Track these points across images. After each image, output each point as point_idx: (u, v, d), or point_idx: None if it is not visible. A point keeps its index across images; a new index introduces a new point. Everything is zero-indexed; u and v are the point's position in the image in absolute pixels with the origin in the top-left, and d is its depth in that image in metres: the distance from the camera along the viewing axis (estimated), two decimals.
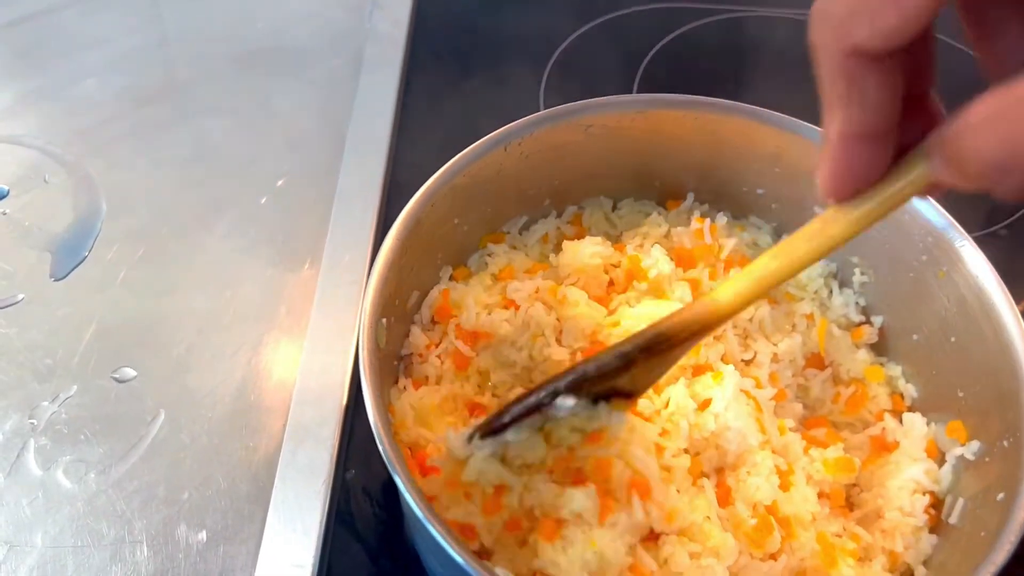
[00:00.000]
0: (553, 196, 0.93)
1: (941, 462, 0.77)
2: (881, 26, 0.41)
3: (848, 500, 0.78)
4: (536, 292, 0.82)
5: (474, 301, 0.82)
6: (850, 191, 0.48)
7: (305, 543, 0.83)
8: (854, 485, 0.78)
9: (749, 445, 0.72)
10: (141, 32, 1.35)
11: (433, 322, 0.85)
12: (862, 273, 0.88)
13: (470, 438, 0.67)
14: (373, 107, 1.20)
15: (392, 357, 0.81)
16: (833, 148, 0.46)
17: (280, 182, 1.14)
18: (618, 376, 0.64)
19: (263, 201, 1.13)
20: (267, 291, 1.03)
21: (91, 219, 1.09)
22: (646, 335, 0.62)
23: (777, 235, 0.93)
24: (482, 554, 0.69)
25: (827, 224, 0.52)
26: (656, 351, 0.62)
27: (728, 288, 0.59)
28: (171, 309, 1.01)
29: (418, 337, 0.83)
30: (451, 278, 0.88)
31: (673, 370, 0.68)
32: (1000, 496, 0.66)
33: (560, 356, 0.77)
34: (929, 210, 0.78)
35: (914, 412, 0.81)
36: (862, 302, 0.89)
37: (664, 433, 0.72)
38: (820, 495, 0.75)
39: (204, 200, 1.12)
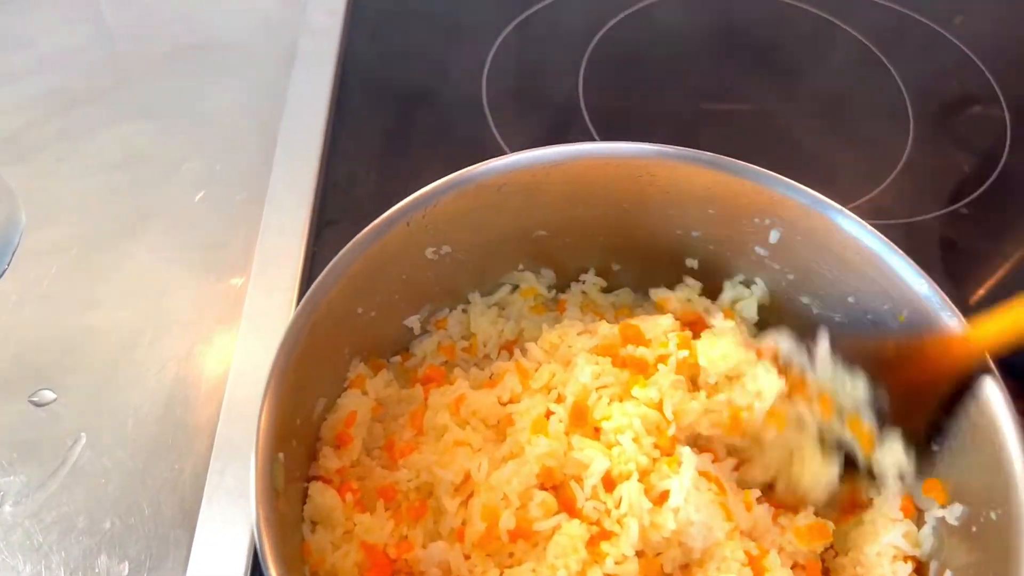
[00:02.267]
0: (473, 272, 0.85)
1: (920, 521, 0.72)
2: None
3: (824, 565, 0.74)
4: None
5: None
6: None
7: (234, 569, 0.79)
8: (829, 548, 0.75)
9: (716, 538, 0.67)
10: (70, 32, 1.28)
11: (336, 447, 0.75)
12: (816, 311, 0.82)
13: None
14: (306, 104, 1.16)
15: (298, 479, 0.71)
16: None
17: (209, 186, 1.10)
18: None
19: (192, 207, 1.08)
20: (195, 302, 0.99)
21: (9, 231, 1.04)
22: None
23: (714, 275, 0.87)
24: None
25: None
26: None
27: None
28: (94, 325, 0.97)
29: (329, 459, 0.73)
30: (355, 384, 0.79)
31: (625, 465, 0.66)
32: None
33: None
34: (886, 251, 0.73)
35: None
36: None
37: (608, 536, 0.66)
38: (794, 566, 0.71)
39: (130, 208, 1.07)
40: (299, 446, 0.68)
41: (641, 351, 0.76)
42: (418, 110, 1.16)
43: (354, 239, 0.70)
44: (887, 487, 0.73)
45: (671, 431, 0.70)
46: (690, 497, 0.65)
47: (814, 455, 0.71)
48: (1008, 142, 1.18)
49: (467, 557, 0.67)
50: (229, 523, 0.82)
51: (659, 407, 0.71)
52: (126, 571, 0.81)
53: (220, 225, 1.06)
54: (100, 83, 1.21)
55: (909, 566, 0.69)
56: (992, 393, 0.64)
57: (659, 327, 0.78)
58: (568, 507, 0.67)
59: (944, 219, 1.10)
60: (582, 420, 0.71)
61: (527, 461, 0.68)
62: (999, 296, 1.02)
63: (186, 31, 1.28)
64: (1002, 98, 1.24)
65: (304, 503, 0.70)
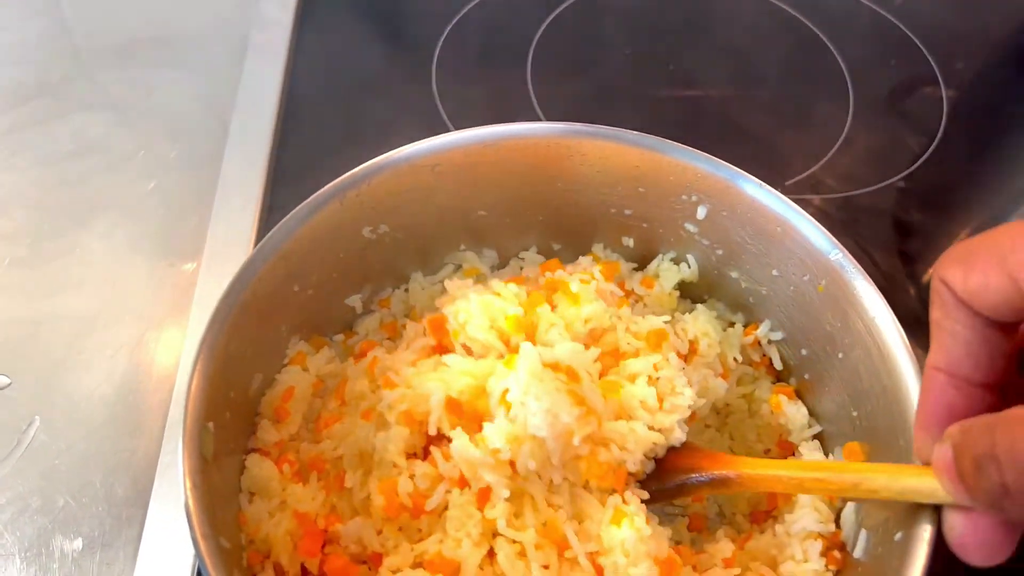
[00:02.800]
0: (414, 252, 0.87)
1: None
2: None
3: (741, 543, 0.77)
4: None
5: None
6: (934, 426, 0.54)
7: (185, 545, 0.81)
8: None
9: (564, 424, 0.66)
10: (23, 25, 1.29)
11: (275, 420, 0.76)
12: (744, 285, 0.84)
13: None
14: (258, 94, 1.17)
15: (236, 451, 0.73)
16: (924, 377, 0.54)
17: (161, 176, 1.11)
18: None
19: (144, 195, 1.10)
20: (148, 288, 1.01)
21: None
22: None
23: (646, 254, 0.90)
24: None
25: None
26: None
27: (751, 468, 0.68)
28: (47, 312, 0.99)
29: (268, 432, 0.74)
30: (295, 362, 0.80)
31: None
32: (898, 536, 0.63)
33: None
34: (801, 221, 0.75)
35: (812, 441, 0.80)
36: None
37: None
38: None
39: (83, 198, 1.09)
40: (234, 418, 0.69)
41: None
42: (369, 99, 1.18)
43: (285, 217, 0.72)
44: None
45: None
46: (529, 388, 0.66)
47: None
48: (944, 119, 1.22)
49: (379, 532, 0.69)
50: (180, 499, 0.83)
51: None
52: (80, 547, 0.83)
53: (172, 214, 1.08)
54: (53, 76, 1.23)
55: (819, 543, 0.72)
56: (903, 359, 0.67)
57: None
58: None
59: (883, 193, 1.13)
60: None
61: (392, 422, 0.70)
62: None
63: (141, 24, 1.30)
64: (940, 77, 1.27)
65: (242, 475, 0.72)
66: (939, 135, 1.20)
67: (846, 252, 0.72)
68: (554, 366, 0.68)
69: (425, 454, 0.71)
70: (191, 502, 0.58)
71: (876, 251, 1.09)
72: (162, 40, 1.27)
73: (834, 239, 0.72)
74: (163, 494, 0.85)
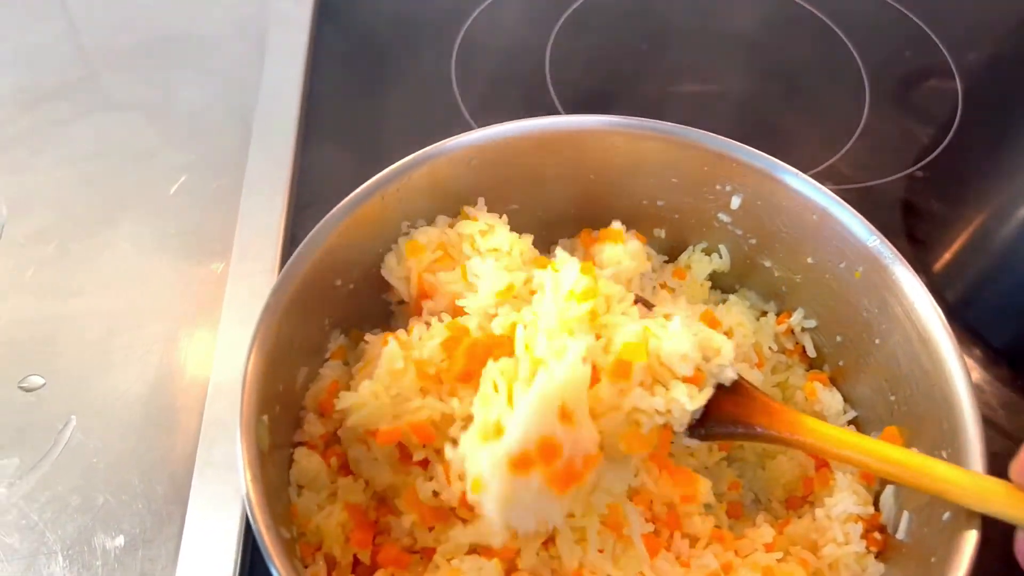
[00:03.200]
0: None
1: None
2: None
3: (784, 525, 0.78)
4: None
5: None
6: None
7: (226, 542, 0.82)
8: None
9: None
10: (39, 28, 1.29)
11: (320, 414, 0.77)
12: (777, 274, 0.86)
13: None
14: (279, 93, 1.18)
15: (284, 445, 0.74)
16: None
17: (186, 175, 1.12)
18: None
19: (169, 195, 1.10)
20: (177, 287, 1.01)
21: None
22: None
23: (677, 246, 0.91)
24: None
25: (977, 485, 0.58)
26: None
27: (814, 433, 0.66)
28: (79, 311, 0.99)
29: (314, 425, 0.75)
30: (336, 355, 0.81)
31: None
32: (946, 516, 0.64)
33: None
34: (837, 208, 0.76)
35: (848, 426, 0.81)
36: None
37: None
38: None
39: (109, 197, 1.09)
40: (283, 412, 0.70)
41: None
42: (389, 94, 1.19)
43: (329, 213, 0.73)
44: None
45: None
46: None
47: None
48: (959, 109, 1.23)
49: (430, 528, 0.70)
50: (220, 496, 0.84)
51: None
52: (121, 544, 0.83)
53: (198, 213, 1.08)
54: (69, 78, 1.23)
55: (859, 526, 0.73)
56: (943, 342, 0.68)
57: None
58: None
59: (900, 183, 1.14)
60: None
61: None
62: (960, 258, 1.08)
63: (153, 24, 1.30)
64: (954, 68, 1.29)
65: (290, 468, 0.72)
66: (955, 126, 1.21)
67: (883, 238, 0.73)
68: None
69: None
70: (252, 494, 0.58)
71: (894, 240, 1.10)
72: (180, 40, 1.27)
73: (871, 226, 0.73)
74: (202, 491, 0.85)
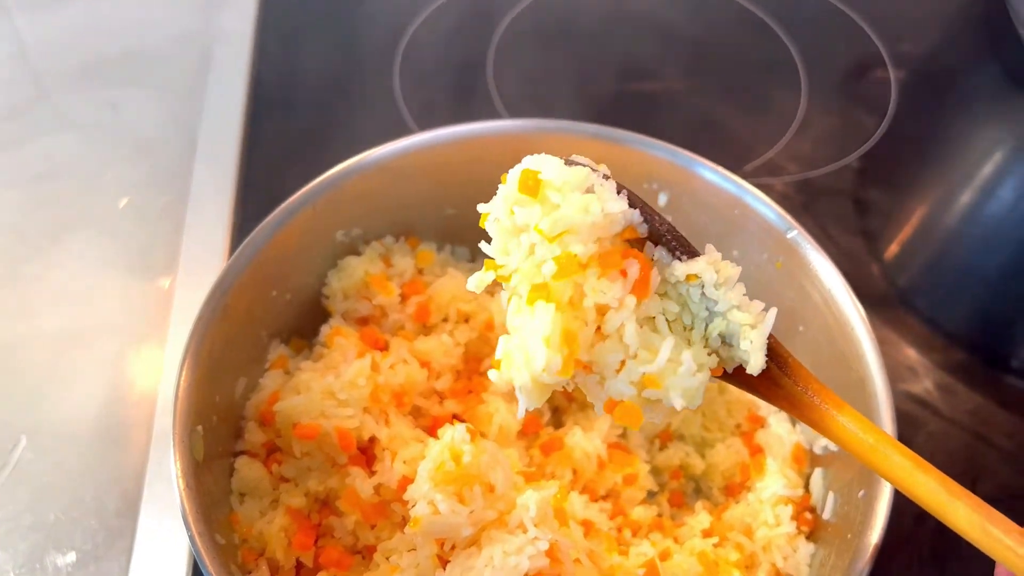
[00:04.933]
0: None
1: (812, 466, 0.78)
2: None
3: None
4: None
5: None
6: None
7: (177, 553, 0.83)
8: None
9: None
10: None
11: (261, 423, 0.78)
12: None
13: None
14: (223, 107, 1.19)
15: (224, 455, 0.75)
16: None
17: (133, 192, 1.13)
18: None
19: (117, 212, 1.11)
20: (125, 305, 1.02)
21: None
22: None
23: None
24: None
25: (966, 501, 0.50)
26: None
27: (855, 422, 0.54)
28: (26, 332, 1.00)
29: (254, 434, 0.76)
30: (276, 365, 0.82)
31: None
32: (861, 493, 0.67)
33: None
34: (758, 202, 0.78)
35: (780, 413, 0.83)
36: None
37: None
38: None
39: (57, 217, 1.10)
40: (221, 422, 0.71)
41: None
42: (334, 108, 1.20)
43: (259, 225, 0.74)
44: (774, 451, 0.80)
45: None
46: None
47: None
48: (893, 101, 1.26)
49: (372, 526, 0.72)
50: (170, 508, 0.85)
51: None
52: (73, 560, 0.84)
53: (145, 229, 1.09)
54: (18, 99, 1.23)
55: (789, 508, 0.76)
56: (857, 325, 0.71)
57: None
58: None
59: (837, 173, 1.17)
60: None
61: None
62: (909, 246, 1.11)
63: (101, 44, 1.30)
64: (888, 60, 1.32)
65: (231, 477, 0.74)
66: (888, 116, 1.24)
67: (800, 228, 0.75)
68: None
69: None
70: (185, 502, 0.60)
71: (836, 230, 1.13)
72: (124, 59, 1.28)
73: (788, 216, 0.76)
74: (153, 504, 0.86)
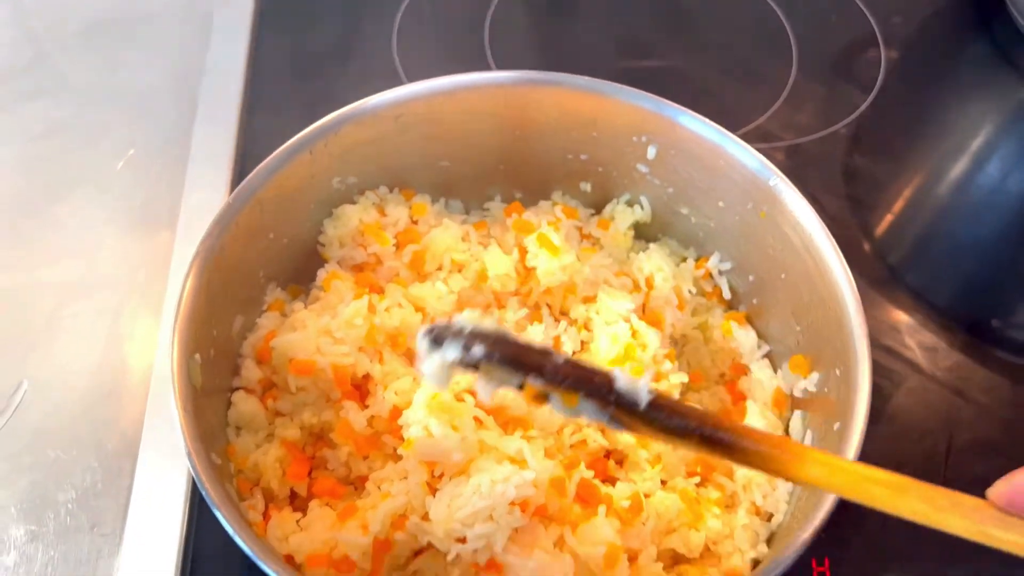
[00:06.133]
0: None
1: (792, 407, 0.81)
2: None
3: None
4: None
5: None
6: (1016, 508, 0.47)
7: (175, 493, 0.85)
8: None
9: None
10: None
11: (258, 361, 0.80)
12: (694, 220, 0.90)
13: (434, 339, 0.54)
14: (224, 69, 1.21)
15: (222, 390, 0.77)
16: None
17: (132, 151, 1.15)
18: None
19: (116, 171, 1.13)
20: (125, 258, 1.04)
21: None
22: (716, 426, 0.56)
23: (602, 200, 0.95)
24: None
25: (957, 509, 0.49)
26: (711, 444, 0.56)
27: (821, 465, 0.54)
28: (28, 284, 1.02)
29: (251, 371, 0.79)
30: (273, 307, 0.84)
31: None
32: (836, 426, 0.69)
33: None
34: (743, 152, 0.80)
35: (763, 359, 0.86)
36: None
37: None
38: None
39: (57, 175, 1.12)
40: (219, 356, 0.74)
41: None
42: (333, 68, 1.22)
43: (259, 165, 0.76)
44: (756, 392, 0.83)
45: None
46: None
47: None
48: (882, 71, 1.28)
49: (364, 457, 0.74)
50: (169, 449, 0.87)
51: None
52: (73, 497, 0.86)
53: (144, 187, 1.11)
54: (18, 60, 1.25)
55: None
56: (835, 267, 0.73)
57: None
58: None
59: (825, 140, 1.20)
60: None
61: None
62: (900, 223, 1.13)
63: (100, 5, 1.32)
64: (878, 33, 1.34)
65: (228, 411, 0.76)
66: (877, 87, 1.26)
67: (782, 176, 0.78)
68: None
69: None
70: (183, 422, 0.62)
71: (824, 195, 1.15)
72: (126, 21, 1.29)
73: (770, 164, 0.78)
74: (151, 445, 0.88)
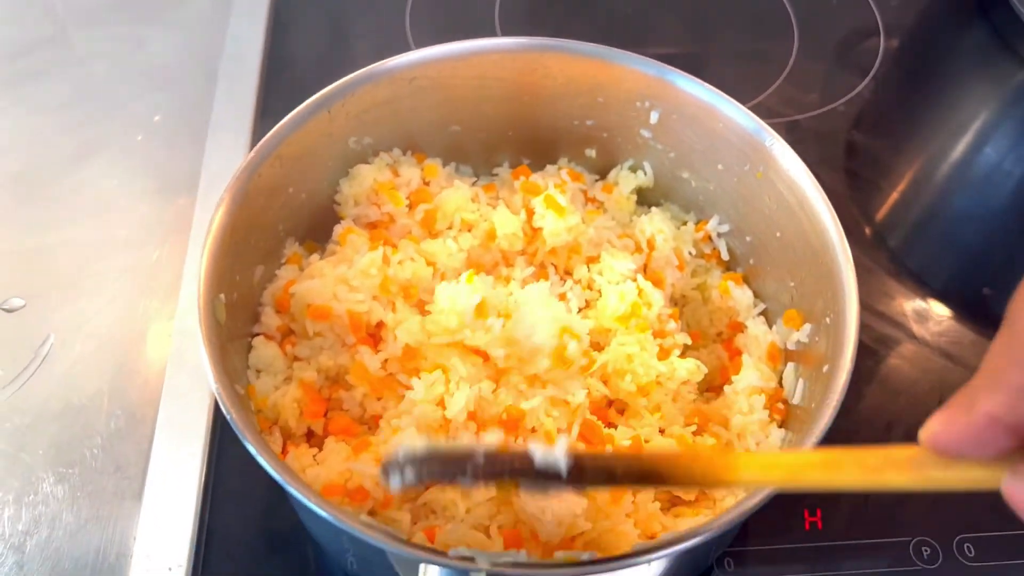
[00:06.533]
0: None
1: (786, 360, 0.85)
2: None
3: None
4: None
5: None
6: (951, 451, 0.46)
7: (194, 437, 0.90)
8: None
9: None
10: None
11: (277, 310, 0.83)
12: (695, 184, 0.93)
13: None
14: (243, 41, 1.25)
15: (243, 335, 0.81)
16: (972, 417, 0.44)
17: (154, 121, 1.19)
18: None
19: (140, 139, 1.17)
20: (147, 220, 1.09)
21: None
22: (642, 466, 0.56)
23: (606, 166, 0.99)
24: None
25: (893, 466, 0.49)
26: (644, 481, 0.58)
27: (754, 466, 0.55)
28: (54, 242, 1.06)
29: (271, 318, 0.82)
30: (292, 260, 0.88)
31: None
32: (825, 368, 0.73)
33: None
34: (740, 114, 0.83)
35: (758, 317, 0.89)
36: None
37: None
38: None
39: (82, 141, 1.16)
40: (241, 301, 0.78)
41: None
42: (347, 41, 1.27)
43: (280, 121, 0.80)
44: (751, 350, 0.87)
45: None
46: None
47: None
48: (880, 53, 1.32)
49: (379, 398, 0.79)
50: (190, 397, 0.92)
51: None
52: (98, 443, 0.90)
53: (165, 154, 1.16)
54: (43, 33, 1.29)
55: (763, 397, 0.81)
56: (827, 219, 0.77)
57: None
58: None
59: (825, 116, 1.23)
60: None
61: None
62: (900, 206, 1.17)
63: None
64: (878, 16, 1.37)
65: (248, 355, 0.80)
66: (876, 67, 1.30)
67: (778, 137, 0.81)
68: None
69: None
70: (208, 354, 0.65)
71: (822, 168, 1.18)
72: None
73: (768, 127, 0.82)
74: (173, 393, 0.93)
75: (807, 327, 0.81)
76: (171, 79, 1.24)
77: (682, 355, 0.88)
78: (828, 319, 0.75)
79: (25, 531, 0.85)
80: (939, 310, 1.06)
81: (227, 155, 1.12)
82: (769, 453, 0.57)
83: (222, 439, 0.90)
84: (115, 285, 1.03)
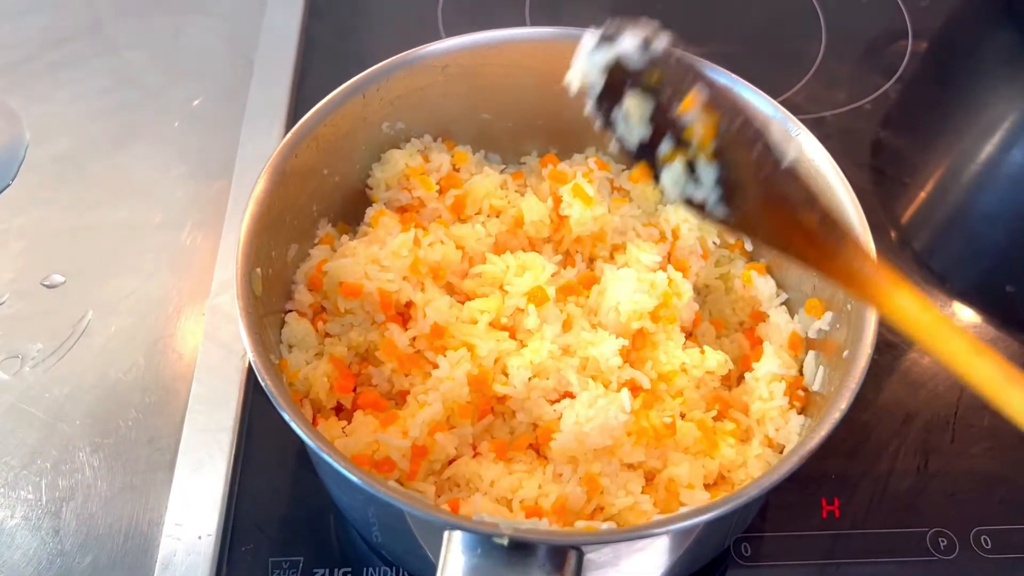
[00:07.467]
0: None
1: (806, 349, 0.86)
2: None
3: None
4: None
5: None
6: None
7: (225, 412, 0.92)
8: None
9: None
10: None
11: (310, 289, 0.85)
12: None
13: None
14: (280, 31, 1.28)
15: (276, 311, 0.82)
16: None
17: (192, 108, 1.23)
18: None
19: (177, 124, 1.20)
20: (184, 203, 1.12)
21: (15, 147, 1.16)
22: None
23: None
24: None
25: None
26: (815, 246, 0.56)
27: (912, 301, 0.52)
28: (94, 222, 1.09)
29: (303, 295, 0.84)
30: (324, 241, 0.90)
31: None
32: (845, 353, 0.74)
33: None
34: (765, 104, 0.85)
35: (780, 307, 0.90)
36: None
37: None
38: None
39: (121, 126, 1.20)
40: (275, 277, 0.80)
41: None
42: (383, 31, 1.29)
43: (316, 105, 0.83)
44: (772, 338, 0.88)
45: None
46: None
47: None
48: (908, 53, 1.33)
49: (406, 374, 0.81)
50: (222, 372, 0.94)
51: None
52: (133, 415, 0.93)
53: (204, 139, 1.19)
54: (84, 21, 1.33)
55: (783, 384, 0.82)
56: (850, 208, 0.78)
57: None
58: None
59: (851, 114, 1.24)
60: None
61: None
62: (925, 208, 1.18)
63: None
64: (907, 17, 1.38)
65: (281, 330, 0.83)
66: (903, 66, 1.30)
67: (802, 126, 0.83)
68: None
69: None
70: (244, 324, 0.68)
71: (849, 167, 1.19)
72: None
73: (793, 116, 0.83)
74: (205, 367, 0.95)
75: (828, 315, 0.82)
76: (208, 67, 1.28)
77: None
78: (849, 306, 0.76)
79: (62, 498, 0.88)
80: (962, 309, 1.07)
81: (262, 141, 1.15)
82: (927, 302, 0.53)
83: (252, 414, 0.93)
84: (152, 264, 1.06)
